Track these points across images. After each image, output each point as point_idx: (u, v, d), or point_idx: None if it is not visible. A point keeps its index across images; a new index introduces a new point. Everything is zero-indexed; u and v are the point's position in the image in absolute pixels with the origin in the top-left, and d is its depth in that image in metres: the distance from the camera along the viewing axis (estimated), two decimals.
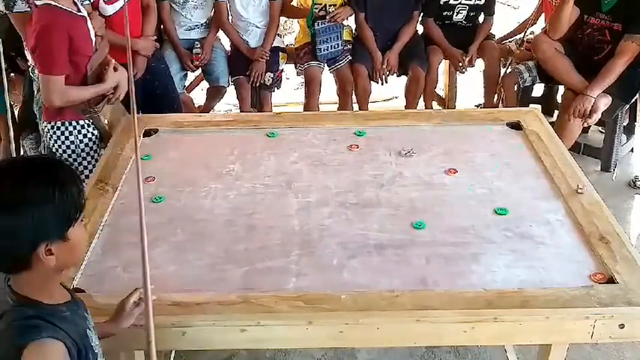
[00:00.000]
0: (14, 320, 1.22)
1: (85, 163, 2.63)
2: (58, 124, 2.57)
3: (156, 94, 3.35)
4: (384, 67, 3.86)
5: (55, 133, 2.58)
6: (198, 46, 3.76)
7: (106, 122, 2.64)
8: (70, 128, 2.58)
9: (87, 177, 2.50)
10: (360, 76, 3.85)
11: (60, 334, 1.22)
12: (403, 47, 3.89)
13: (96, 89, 2.54)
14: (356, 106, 3.95)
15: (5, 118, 3.37)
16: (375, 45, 3.87)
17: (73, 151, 2.60)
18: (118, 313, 1.56)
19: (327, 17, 3.77)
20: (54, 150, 2.61)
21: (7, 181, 1.20)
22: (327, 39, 3.79)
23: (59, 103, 2.46)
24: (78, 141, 2.59)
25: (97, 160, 2.57)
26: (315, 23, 3.77)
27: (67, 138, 2.59)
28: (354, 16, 3.90)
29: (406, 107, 3.93)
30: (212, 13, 3.82)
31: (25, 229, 1.18)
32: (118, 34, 3.07)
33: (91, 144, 2.62)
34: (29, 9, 2.63)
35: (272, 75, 3.85)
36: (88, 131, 2.60)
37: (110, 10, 3.04)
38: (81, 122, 2.58)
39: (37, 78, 2.82)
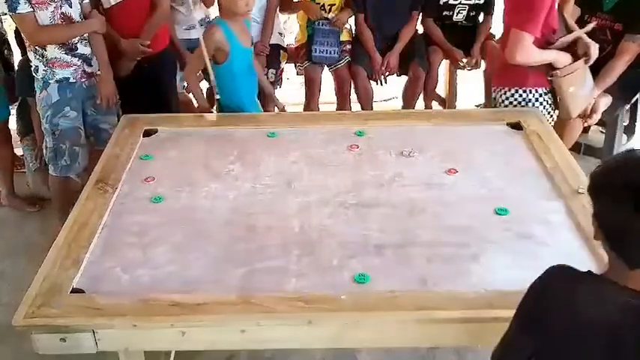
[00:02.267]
0: None
1: None
2: (512, 90, 2.67)
3: (147, 95, 3.25)
4: (383, 68, 3.85)
5: (507, 99, 2.68)
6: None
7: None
8: (530, 97, 2.67)
9: None
10: (359, 77, 3.83)
11: None
12: (404, 47, 3.89)
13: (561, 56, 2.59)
14: (355, 107, 3.93)
15: (5, 125, 3.36)
16: (373, 46, 3.86)
17: None
18: None
19: (329, 21, 3.75)
20: None
21: None
22: (323, 42, 3.78)
23: (519, 59, 2.52)
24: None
25: None
26: (315, 23, 3.76)
27: (519, 103, 2.67)
28: (353, 16, 3.89)
29: (404, 107, 3.93)
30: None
31: None
32: (113, 29, 3.04)
33: (545, 112, 2.68)
34: (31, 9, 2.63)
35: (274, 71, 3.83)
36: (544, 100, 2.67)
37: (105, 1, 3.02)
38: (540, 90, 2.65)
39: (40, 77, 2.81)
